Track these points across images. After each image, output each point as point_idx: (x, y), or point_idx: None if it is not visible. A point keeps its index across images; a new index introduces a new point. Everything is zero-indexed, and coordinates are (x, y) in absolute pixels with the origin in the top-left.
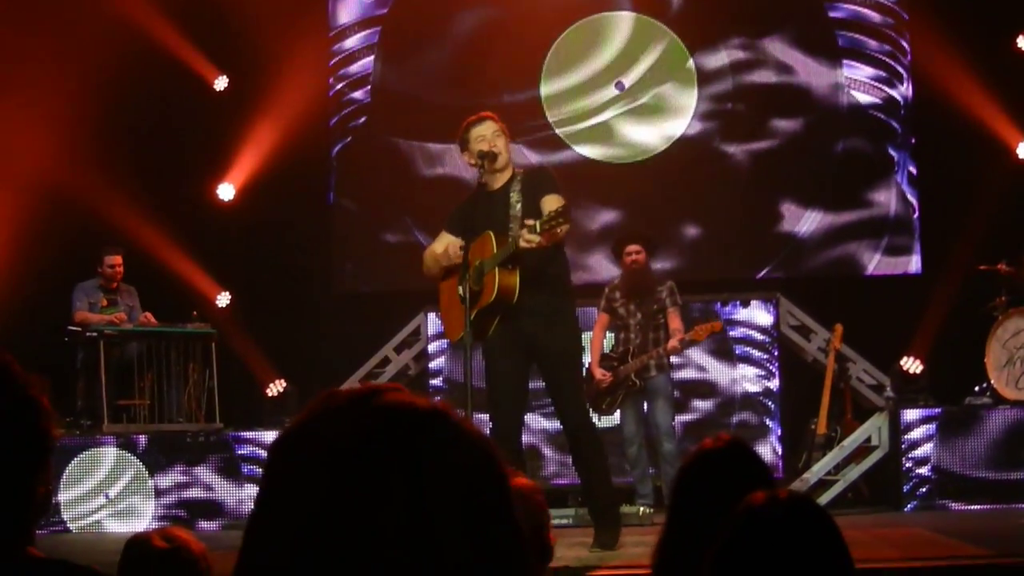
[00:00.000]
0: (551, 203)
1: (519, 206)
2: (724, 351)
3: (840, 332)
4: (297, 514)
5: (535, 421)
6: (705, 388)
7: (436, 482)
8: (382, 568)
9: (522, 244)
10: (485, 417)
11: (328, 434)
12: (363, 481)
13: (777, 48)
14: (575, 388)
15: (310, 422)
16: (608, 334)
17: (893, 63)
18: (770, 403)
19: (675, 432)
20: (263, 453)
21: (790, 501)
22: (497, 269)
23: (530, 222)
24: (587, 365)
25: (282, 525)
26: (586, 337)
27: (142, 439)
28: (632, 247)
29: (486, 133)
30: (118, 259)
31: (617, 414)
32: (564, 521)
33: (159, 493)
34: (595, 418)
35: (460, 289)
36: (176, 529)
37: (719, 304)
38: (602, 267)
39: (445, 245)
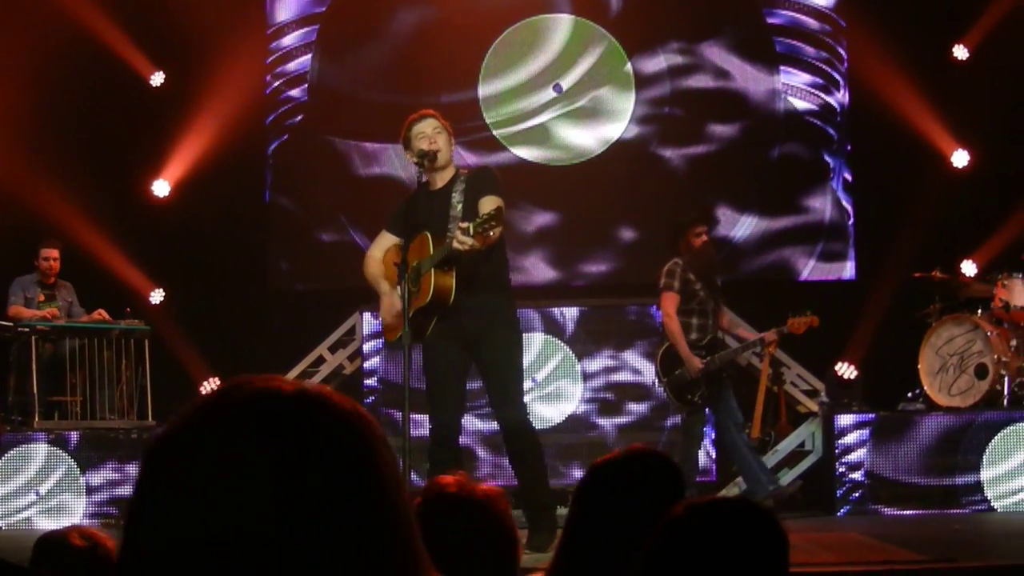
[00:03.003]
0: (487, 205)
1: (460, 206)
2: None
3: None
4: (171, 511)
5: (470, 422)
6: (640, 391)
7: (299, 466)
8: (254, 556)
9: (455, 246)
10: (421, 417)
11: (196, 431)
12: (231, 472)
13: (715, 53)
14: (515, 388)
15: (182, 422)
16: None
17: (830, 70)
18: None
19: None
20: None
21: (723, 506)
22: (433, 270)
23: (464, 224)
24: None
25: (159, 519)
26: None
27: (74, 436)
28: (703, 227)
29: (427, 130)
30: (54, 252)
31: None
32: None
33: (90, 490)
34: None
35: (399, 289)
36: (88, 528)
37: (654, 307)
38: (538, 269)
39: (384, 250)
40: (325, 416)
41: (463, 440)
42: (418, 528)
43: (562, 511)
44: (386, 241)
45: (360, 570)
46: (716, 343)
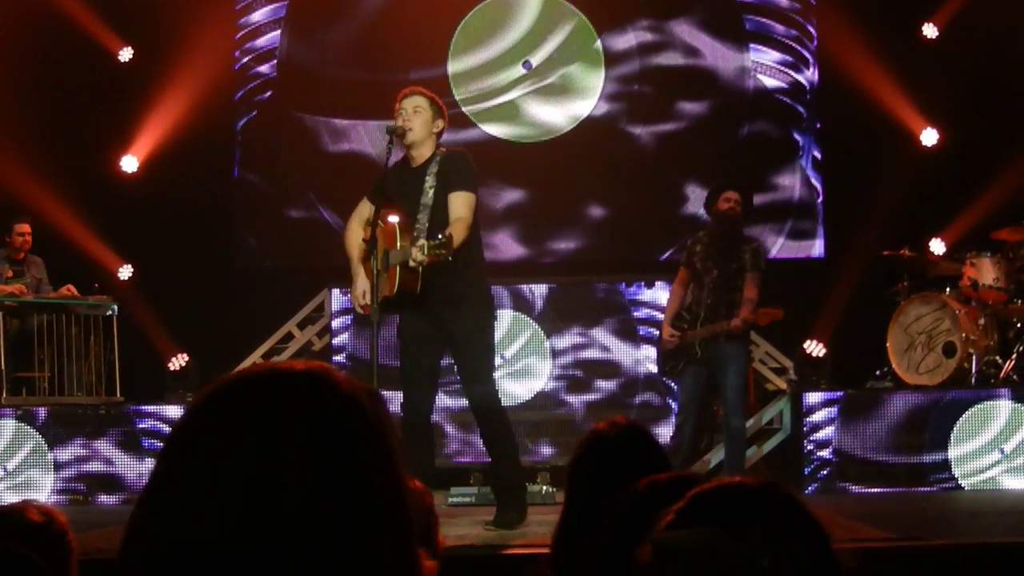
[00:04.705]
0: (452, 205)
1: (431, 192)
2: (628, 332)
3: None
4: (203, 476)
5: (439, 399)
6: (609, 368)
7: (320, 437)
8: (278, 518)
9: (410, 263)
10: (390, 394)
11: (227, 404)
12: (260, 444)
13: (684, 31)
14: (485, 369)
15: (209, 398)
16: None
17: (800, 48)
18: (673, 384)
19: (744, 408)
20: (164, 427)
21: (676, 481)
22: (399, 267)
23: (420, 243)
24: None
25: (187, 488)
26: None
27: (41, 412)
28: (731, 194)
29: (406, 107)
30: (27, 227)
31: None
32: (466, 500)
33: (58, 467)
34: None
35: (371, 262)
36: (40, 503)
37: (623, 285)
38: (507, 246)
39: (363, 221)
40: (335, 393)
41: (433, 417)
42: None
43: (530, 488)
44: (365, 211)
45: (372, 536)
46: (699, 318)
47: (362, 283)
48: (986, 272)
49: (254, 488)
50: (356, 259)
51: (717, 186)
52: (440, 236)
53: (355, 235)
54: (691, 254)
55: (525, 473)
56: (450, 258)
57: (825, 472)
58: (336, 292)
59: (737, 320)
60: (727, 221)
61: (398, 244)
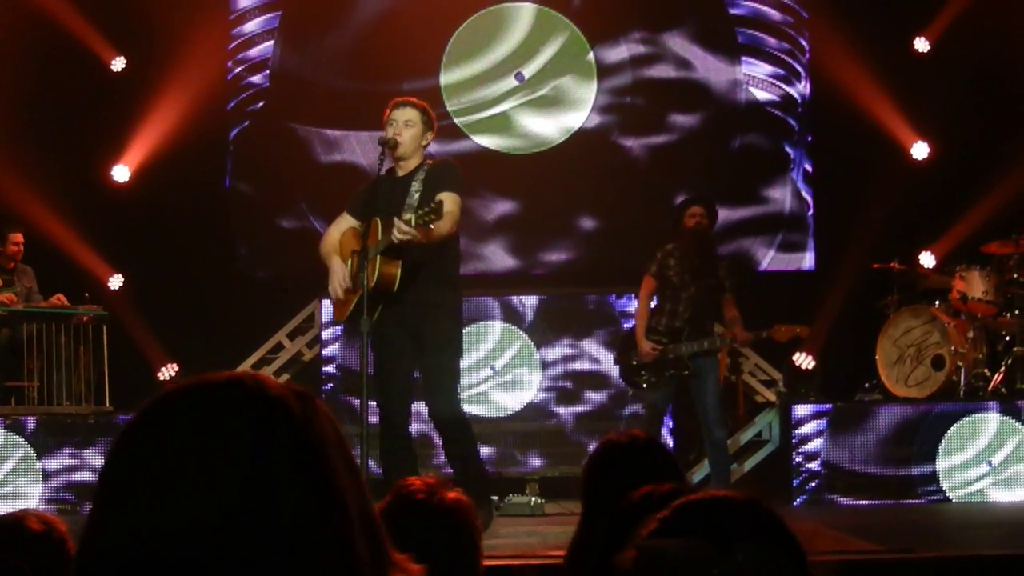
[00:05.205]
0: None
1: (417, 195)
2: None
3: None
4: (137, 486)
5: (425, 409)
6: (598, 380)
7: (242, 440)
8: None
9: (395, 236)
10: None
11: (148, 422)
12: (188, 451)
13: (677, 43)
14: (451, 380)
15: (145, 410)
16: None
17: (792, 61)
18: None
19: (724, 418)
20: None
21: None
22: (379, 257)
23: (406, 216)
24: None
25: (124, 497)
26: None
27: (30, 421)
28: (696, 208)
29: (398, 119)
30: (20, 237)
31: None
32: None
33: (47, 476)
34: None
35: (358, 273)
36: (42, 512)
37: (613, 296)
38: (498, 257)
39: (343, 231)
40: (260, 396)
41: (420, 427)
42: (374, 512)
43: (518, 499)
44: (345, 223)
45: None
46: (683, 332)
47: (338, 269)
48: (975, 285)
49: (184, 495)
50: (330, 253)
51: (682, 202)
52: (429, 204)
53: (331, 237)
54: (664, 267)
55: (492, 483)
56: (432, 226)
57: (814, 484)
58: (326, 303)
59: (747, 335)
60: (698, 236)
61: (379, 236)
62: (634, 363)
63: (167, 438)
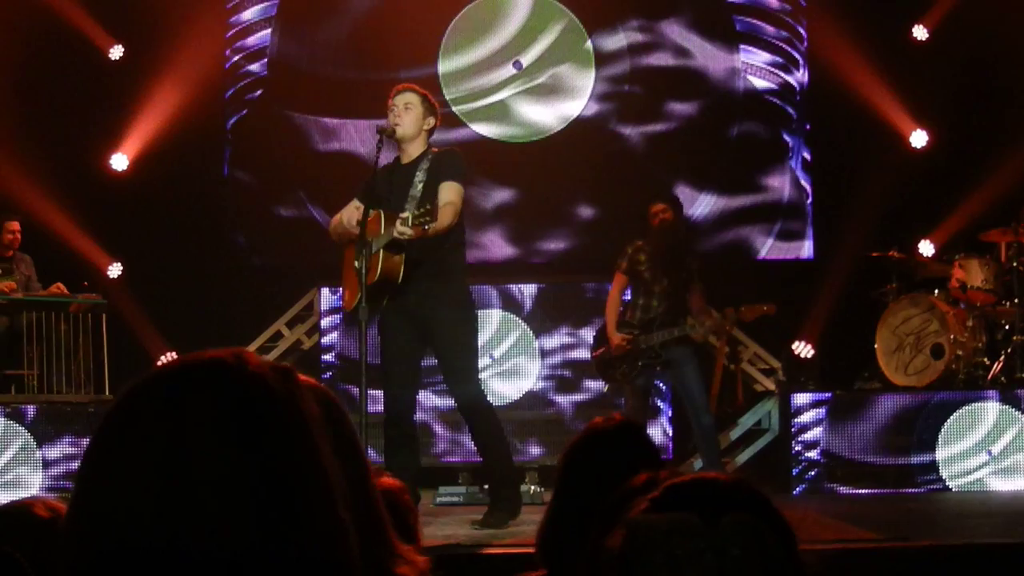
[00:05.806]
0: (442, 192)
1: (421, 186)
2: None
3: (732, 316)
4: (119, 470)
5: (427, 398)
6: None
7: (223, 418)
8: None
9: (395, 235)
10: (378, 393)
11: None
12: (169, 432)
13: (675, 31)
14: (466, 365)
15: (127, 392)
16: None
17: (790, 49)
18: (661, 385)
19: (709, 404)
20: None
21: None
22: (382, 251)
23: (404, 215)
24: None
25: (106, 481)
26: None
27: (30, 409)
28: (658, 206)
29: (398, 103)
30: (16, 225)
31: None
32: (455, 499)
33: (47, 464)
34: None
35: (356, 263)
36: (51, 499)
37: (611, 285)
38: (496, 246)
39: (350, 212)
40: (241, 374)
41: (420, 416)
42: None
43: (522, 488)
44: (353, 208)
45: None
46: (657, 324)
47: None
48: (975, 274)
49: (166, 475)
50: (337, 226)
51: (649, 201)
52: (426, 206)
53: (340, 222)
54: (635, 263)
55: (517, 472)
56: (428, 228)
57: (813, 473)
58: (325, 291)
59: (713, 318)
60: (667, 232)
61: (382, 231)
62: (608, 358)
63: (148, 419)
